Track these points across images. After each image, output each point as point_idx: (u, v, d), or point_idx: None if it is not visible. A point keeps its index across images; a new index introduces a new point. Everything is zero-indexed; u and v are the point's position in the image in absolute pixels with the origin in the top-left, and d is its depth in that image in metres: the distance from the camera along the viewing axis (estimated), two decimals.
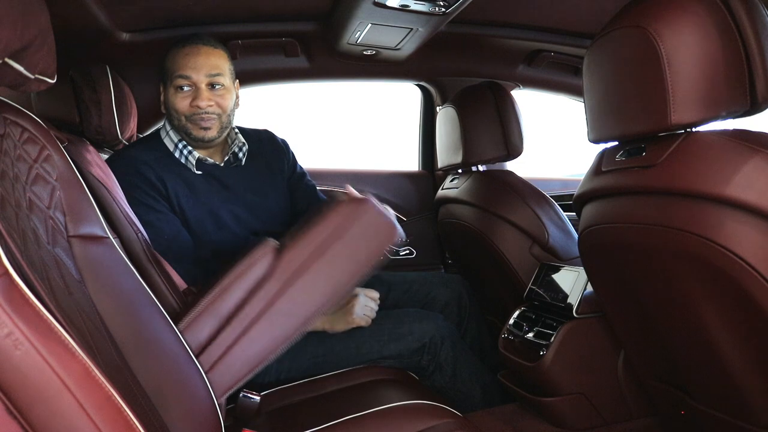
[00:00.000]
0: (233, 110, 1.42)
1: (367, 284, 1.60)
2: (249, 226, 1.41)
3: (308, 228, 0.99)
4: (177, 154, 1.38)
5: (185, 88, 1.34)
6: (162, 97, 1.40)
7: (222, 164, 1.43)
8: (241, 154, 1.45)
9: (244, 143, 1.46)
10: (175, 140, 1.38)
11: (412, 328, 1.35)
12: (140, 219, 1.17)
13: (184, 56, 1.34)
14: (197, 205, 1.34)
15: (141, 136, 1.92)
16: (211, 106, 1.34)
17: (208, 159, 1.41)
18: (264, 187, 1.48)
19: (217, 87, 1.36)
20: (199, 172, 1.38)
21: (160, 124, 1.93)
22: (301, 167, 1.61)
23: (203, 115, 1.34)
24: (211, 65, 1.35)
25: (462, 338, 1.59)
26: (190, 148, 1.38)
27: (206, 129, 1.35)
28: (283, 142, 1.60)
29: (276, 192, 1.51)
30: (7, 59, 0.64)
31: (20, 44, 0.66)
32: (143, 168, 1.30)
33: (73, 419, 0.55)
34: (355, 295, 1.34)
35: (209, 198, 1.37)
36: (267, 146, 1.54)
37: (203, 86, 1.34)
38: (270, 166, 1.52)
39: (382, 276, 1.64)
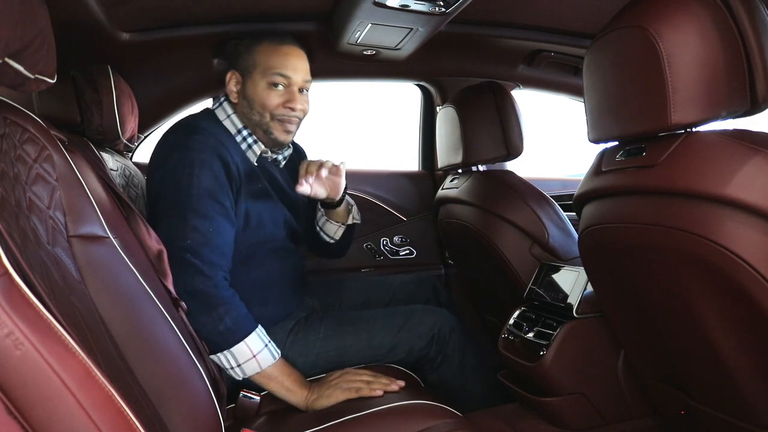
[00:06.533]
0: None
1: (347, 292, 1.63)
2: (290, 225, 1.42)
3: None
4: (239, 139, 1.34)
5: (280, 87, 1.32)
6: (234, 85, 1.36)
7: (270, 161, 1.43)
8: (281, 158, 1.45)
9: (289, 146, 1.46)
10: (239, 126, 1.35)
11: (422, 318, 1.37)
12: (196, 204, 1.15)
13: (284, 55, 1.33)
14: (258, 197, 1.33)
15: (141, 135, 1.92)
16: (301, 109, 1.35)
17: (269, 152, 1.39)
18: (295, 191, 1.49)
19: (305, 92, 1.38)
20: (256, 164, 1.36)
21: (161, 124, 1.95)
22: None
23: (292, 117, 1.34)
24: (306, 70, 1.37)
25: None
26: (255, 137, 1.35)
27: (289, 133, 1.35)
28: (303, 150, 1.62)
29: (301, 196, 1.51)
30: (6, 59, 0.64)
31: (20, 44, 0.66)
32: (222, 149, 1.24)
33: (74, 419, 0.55)
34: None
35: (267, 191, 1.36)
36: (294, 154, 1.55)
37: (297, 89, 1.34)
38: (296, 172, 1.53)
39: (359, 284, 1.68)
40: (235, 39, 1.68)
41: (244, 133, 1.35)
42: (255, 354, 1.17)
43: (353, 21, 1.46)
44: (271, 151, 1.41)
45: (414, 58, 1.78)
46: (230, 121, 1.35)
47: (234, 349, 1.16)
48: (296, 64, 1.34)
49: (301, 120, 1.38)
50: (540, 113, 2.68)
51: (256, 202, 1.31)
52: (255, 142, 1.35)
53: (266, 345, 1.19)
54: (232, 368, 1.17)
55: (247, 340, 1.16)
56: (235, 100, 1.36)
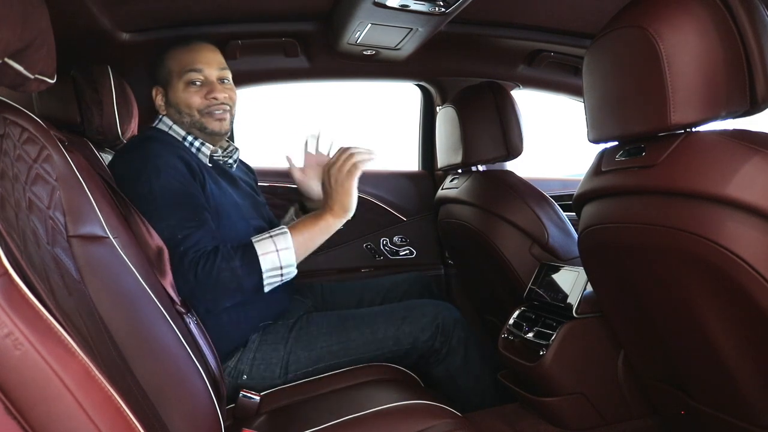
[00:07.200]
0: None
1: (339, 294, 1.64)
2: (254, 221, 1.43)
3: None
4: (186, 144, 1.37)
5: (197, 83, 1.35)
6: (160, 99, 1.39)
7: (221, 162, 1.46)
8: (231, 161, 1.48)
9: (237, 149, 1.50)
10: (182, 133, 1.38)
11: (424, 310, 1.39)
12: (172, 201, 1.19)
13: (191, 52, 1.36)
14: (223, 194, 1.35)
15: None
16: (225, 97, 1.37)
17: (219, 151, 1.42)
18: (251, 189, 1.53)
19: (225, 81, 1.39)
20: (210, 165, 1.39)
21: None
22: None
23: (219, 106, 1.36)
24: (219, 60, 1.39)
25: None
26: (201, 140, 1.38)
27: (221, 120, 1.37)
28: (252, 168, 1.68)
29: (258, 195, 1.56)
30: (7, 59, 0.64)
31: (20, 44, 0.66)
32: (179, 151, 1.28)
33: (73, 419, 0.55)
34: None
35: (228, 189, 1.38)
36: (243, 165, 1.60)
37: (215, 79, 1.37)
38: (248, 175, 1.59)
39: (352, 286, 1.69)
40: (234, 39, 1.69)
41: (189, 138, 1.38)
42: (278, 250, 1.21)
43: (353, 21, 1.46)
44: (221, 152, 1.44)
45: (414, 58, 1.78)
46: (173, 131, 1.39)
47: (264, 270, 1.19)
48: (207, 57, 1.37)
49: (230, 109, 1.39)
50: (540, 113, 2.68)
51: (222, 201, 1.33)
52: (202, 144, 1.38)
53: (271, 236, 1.22)
54: (282, 276, 1.22)
55: (260, 256, 1.19)
56: (164, 112, 1.40)
